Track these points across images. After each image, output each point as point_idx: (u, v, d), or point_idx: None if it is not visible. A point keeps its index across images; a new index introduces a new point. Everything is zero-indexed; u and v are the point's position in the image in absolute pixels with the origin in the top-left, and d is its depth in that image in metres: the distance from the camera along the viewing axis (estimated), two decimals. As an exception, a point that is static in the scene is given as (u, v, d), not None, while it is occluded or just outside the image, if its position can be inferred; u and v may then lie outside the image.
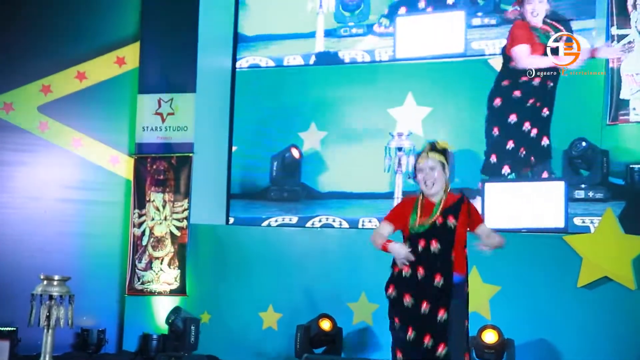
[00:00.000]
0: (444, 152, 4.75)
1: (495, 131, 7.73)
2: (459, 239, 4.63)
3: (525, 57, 7.51)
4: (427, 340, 4.54)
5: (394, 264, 4.70)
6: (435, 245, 4.61)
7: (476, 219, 4.72)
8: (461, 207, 4.67)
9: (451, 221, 4.64)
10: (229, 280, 8.29)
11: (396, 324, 4.64)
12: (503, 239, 4.69)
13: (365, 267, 7.86)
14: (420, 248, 4.63)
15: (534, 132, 7.62)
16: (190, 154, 8.52)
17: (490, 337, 7.00)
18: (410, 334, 4.56)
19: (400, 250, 4.62)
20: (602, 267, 7.11)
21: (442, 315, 4.55)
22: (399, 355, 4.62)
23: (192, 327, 8.02)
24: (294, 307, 7.99)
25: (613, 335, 7.04)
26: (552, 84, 7.51)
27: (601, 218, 7.17)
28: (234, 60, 8.64)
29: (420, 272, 4.61)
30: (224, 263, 8.35)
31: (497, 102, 7.71)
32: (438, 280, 4.57)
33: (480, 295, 7.46)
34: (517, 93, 7.59)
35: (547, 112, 7.57)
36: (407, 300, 4.60)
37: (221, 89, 8.61)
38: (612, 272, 7.09)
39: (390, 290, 4.67)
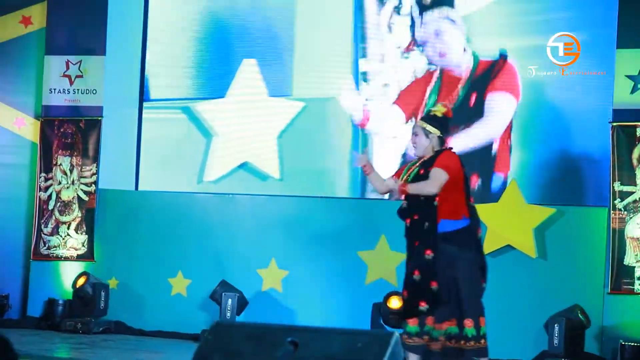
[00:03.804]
0: (431, 119, 5.44)
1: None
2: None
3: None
4: (417, 274, 5.36)
5: None
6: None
7: (434, 163, 5.31)
8: (437, 156, 5.35)
9: (427, 169, 5.32)
10: (137, 246, 8.23)
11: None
12: (397, 188, 5.37)
13: (275, 234, 7.91)
14: (414, 200, 5.35)
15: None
16: (100, 118, 8.39)
17: (396, 303, 7.15)
18: (417, 274, 5.39)
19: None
20: (505, 235, 7.31)
21: (428, 254, 5.30)
22: (405, 294, 5.49)
23: (102, 293, 7.98)
24: (203, 273, 8.00)
25: (515, 301, 7.27)
26: None
27: (506, 188, 7.37)
28: (145, 23, 8.48)
29: (415, 217, 5.39)
30: (133, 228, 8.28)
31: None
32: (426, 225, 5.31)
33: (388, 262, 7.61)
34: None
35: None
36: (407, 242, 5.51)
37: (132, 52, 8.46)
38: (514, 241, 7.31)
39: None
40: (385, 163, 7.65)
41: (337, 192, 7.93)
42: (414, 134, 5.45)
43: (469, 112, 7.53)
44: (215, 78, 8.29)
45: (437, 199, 5.29)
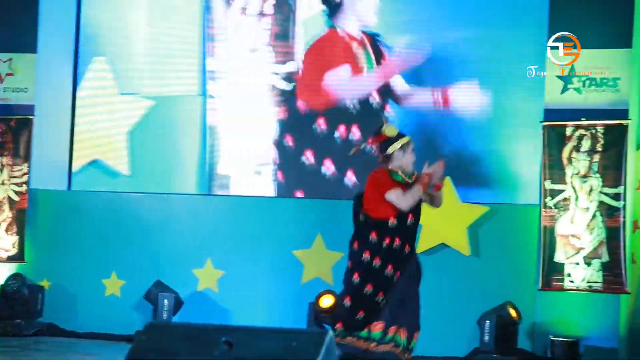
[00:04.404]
0: None
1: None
2: None
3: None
4: (382, 295, 5.38)
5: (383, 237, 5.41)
6: (411, 219, 5.50)
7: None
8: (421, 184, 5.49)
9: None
10: (70, 247, 8.12)
11: (367, 289, 5.39)
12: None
13: (211, 234, 7.88)
14: (403, 223, 5.43)
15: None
16: (31, 117, 8.24)
17: (326, 301, 7.18)
18: (368, 288, 5.39)
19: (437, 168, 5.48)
20: (439, 233, 7.39)
21: (397, 276, 5.43)
22: (347, 300, 5.44)
23: (39, 295, 7.87)
24: (138, 274, 7.92)
25: (449, 298, 7.36)
26: None
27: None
28: (78, 20, 8.39)
29: (396, 242, 5.44)
30: (66, 229, 8.16)
31: None
32: (407, 249, 5.49)
33: (324, 261, 7.63)
34: None
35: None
36: (375, 262, 5.40)
37: (64, 49, 8.34)
38: (448, 239, 7.40)
39: (376, 261, 5.41)
40: (232, 160, 8.00)
41: (186, 188, 8.15)
42: (413, 150, 5.60)
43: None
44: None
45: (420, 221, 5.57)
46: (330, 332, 3.08)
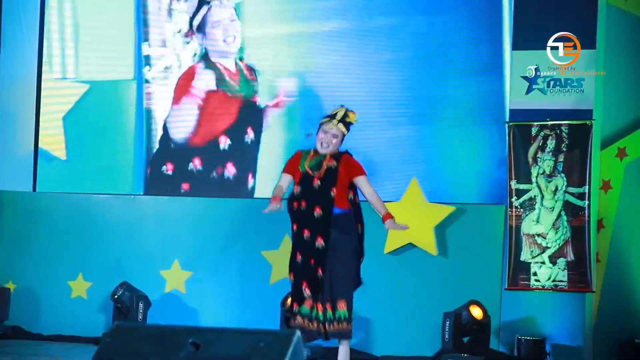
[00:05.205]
0: (348, 125, 5.72)
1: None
2: (340, 179, 5.64)
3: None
4: (312, 262, 5.57)
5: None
6: (316, 183, 5.63)
7: (355, 169, 5.72)
8: (342, 156, 5.70)
9: (332, 163, 5.66)
10: (36, 249, 8.06)
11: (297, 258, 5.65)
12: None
13: (178, 235, 7.86)
14: (307, 187, 5.64)
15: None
16: (-6, 117, 8.19)
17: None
18: (298, 257, 5.64)
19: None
20: (407, 233, 7.41)
21: (320, 242, 5.56)
22: (291, 277, 5.69)
23: (6, 297, 7.81)
24: (104, 275, 7.88)
25: (417, 298, 7.39)
26: None
27: (407, 187, 7.48)
28: (42, 17, 8.31)
29: (303, 205, 5.63)
30: (31, 231, 8.09)
31: None
32: (317, 212, 5.58)
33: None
34: None
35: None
36: (295, 228, 5.69)
37: (28, 49, 8.27)
38: (416, 239, 7.42)
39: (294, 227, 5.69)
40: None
41: (123, 170, 8.15)
42: (334, 135, 5.68)
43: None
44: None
45: (334, 190, 5.63)
46: (298, 332, 3.09)
